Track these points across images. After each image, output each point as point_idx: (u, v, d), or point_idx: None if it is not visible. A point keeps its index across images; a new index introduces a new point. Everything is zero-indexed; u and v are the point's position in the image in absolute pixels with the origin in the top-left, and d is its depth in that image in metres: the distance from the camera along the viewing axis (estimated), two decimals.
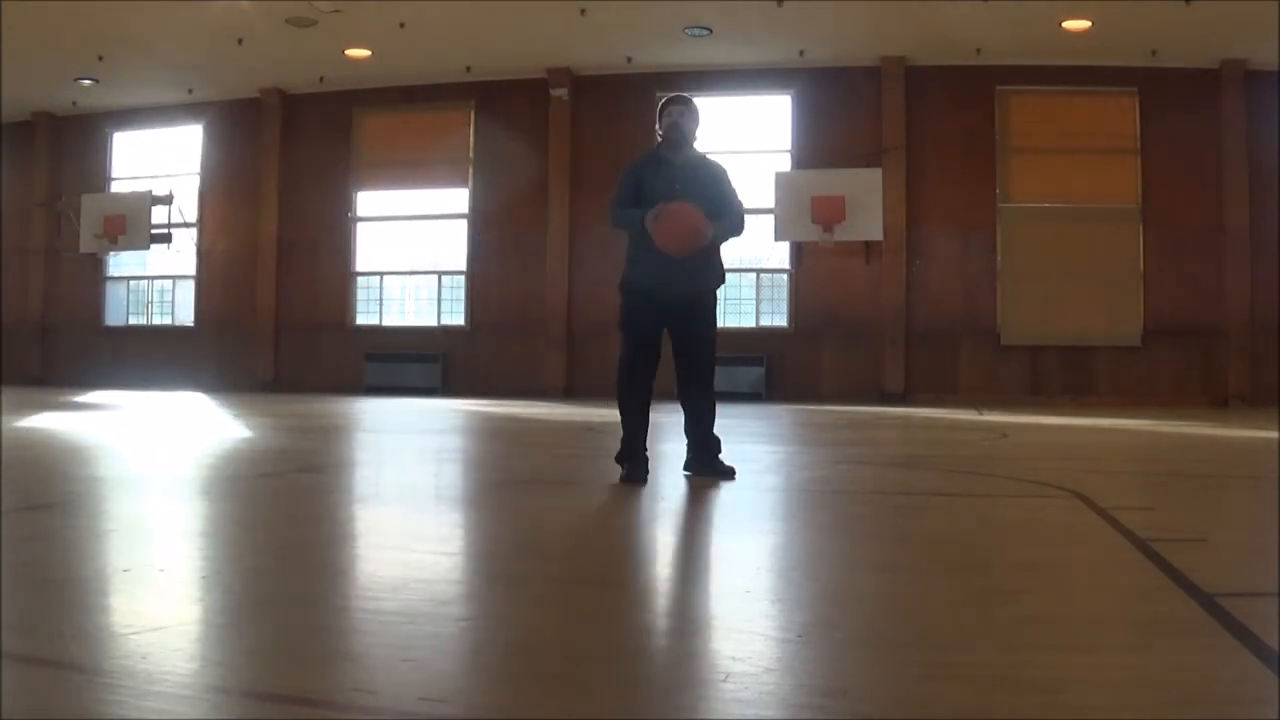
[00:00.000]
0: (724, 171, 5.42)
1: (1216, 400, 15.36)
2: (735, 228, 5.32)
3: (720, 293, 5.40)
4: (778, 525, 4.30)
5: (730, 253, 5.31)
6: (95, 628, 2.39)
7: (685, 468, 5.35)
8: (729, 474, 5.18)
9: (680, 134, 5.30)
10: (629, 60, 16.32)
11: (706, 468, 5.25)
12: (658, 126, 5.52)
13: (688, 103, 5.40)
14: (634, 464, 5.12)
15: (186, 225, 18.82)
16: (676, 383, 5.32)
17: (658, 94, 13.30)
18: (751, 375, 16.12)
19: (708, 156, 5.54)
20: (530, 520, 4.26)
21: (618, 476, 5.10)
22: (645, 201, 5.15)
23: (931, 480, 5.89)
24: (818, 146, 16.59)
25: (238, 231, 18.71)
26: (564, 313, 17.02)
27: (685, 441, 5.39)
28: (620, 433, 5.24)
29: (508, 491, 5.33)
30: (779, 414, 12.60)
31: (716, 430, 5.33)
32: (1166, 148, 15.66)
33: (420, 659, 2.12)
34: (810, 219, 15.83)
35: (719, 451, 5.30)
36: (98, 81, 17.51)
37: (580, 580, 3.06)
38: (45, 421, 9.28)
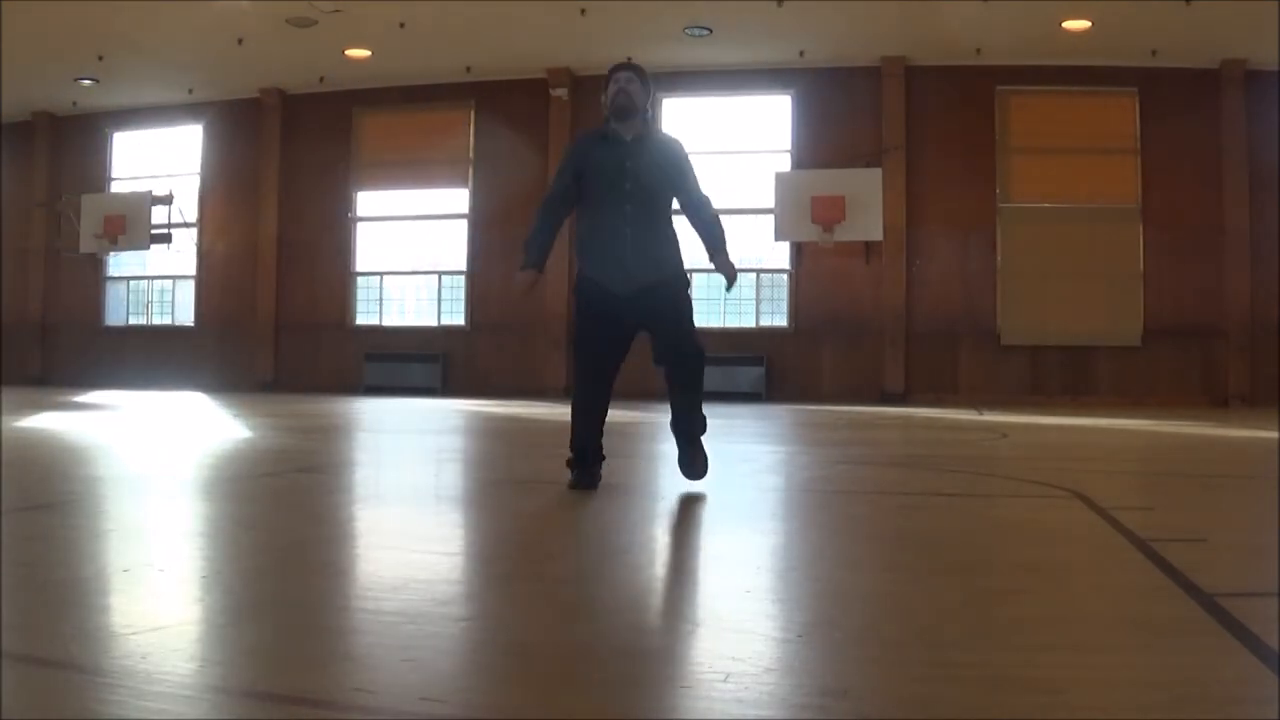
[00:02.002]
0: (685, 155, 4.83)
1: (1216, 400, 15.36)
2: (715, 226, 4.76)
3: (723, 292, 5.13)
4: (778, 525, 4.30)
5: (730, 253, 5.00)
6: (95, 628, 2.38)
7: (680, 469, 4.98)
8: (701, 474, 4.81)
9: (628, 101, 4.71)
10: (629, 60, 16.30)
11: (692, 472, 4.86)
12: (603, 98, 4.81)
13: (636, 68, 4.83)
14: (581, 469, 4.75)
15: (186, 225, 18.83)
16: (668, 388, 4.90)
17: (658, 94, 13.26)
18: (751, 375, 16.12)
19: (665, 135, 5.03)
20: (530, 520, 4.25)
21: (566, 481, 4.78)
22: (592, 189, 4.70)
23: (931, 480, 5.88)
24: (818, 146, 16.59)
25: (238, 231, 18.71)
26: (563, 313, 16.99)
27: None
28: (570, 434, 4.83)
29: (508, 491, 5.33)
30: (779, 414, 12.60)
31: (709, 429, 4.97)
32: (1166, 148, 15.66)
33: (420, 659, 2.12)
34: (810, 219, 15.85)
35: (704, 463, 4.86)
36: (98, 81, 17.52)
37: (580, 580, 3.06)
38: (45, 421, 9.27)
